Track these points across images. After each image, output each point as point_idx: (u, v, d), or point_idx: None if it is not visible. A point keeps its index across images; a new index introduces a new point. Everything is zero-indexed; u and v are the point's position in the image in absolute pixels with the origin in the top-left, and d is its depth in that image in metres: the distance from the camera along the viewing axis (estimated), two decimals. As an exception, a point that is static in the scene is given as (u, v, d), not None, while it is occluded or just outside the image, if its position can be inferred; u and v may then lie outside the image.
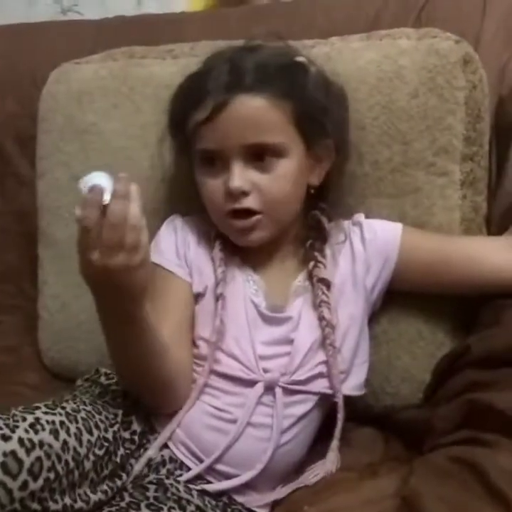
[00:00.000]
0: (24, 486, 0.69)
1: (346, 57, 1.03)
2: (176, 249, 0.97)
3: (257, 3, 1.50)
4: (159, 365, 0.86)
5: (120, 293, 0.77)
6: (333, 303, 0.93)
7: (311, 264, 0.94)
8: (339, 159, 0.97)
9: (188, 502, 0.84)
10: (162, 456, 0.88)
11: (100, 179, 0.74)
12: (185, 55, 1.14)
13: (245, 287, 0.94)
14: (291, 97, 0.90)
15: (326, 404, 0.93)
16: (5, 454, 0.68)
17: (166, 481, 0.85)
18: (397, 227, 0.97)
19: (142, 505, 0.79)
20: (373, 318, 1.00)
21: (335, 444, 0.93)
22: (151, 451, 0.87)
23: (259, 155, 0.90)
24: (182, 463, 0.89)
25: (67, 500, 0.75)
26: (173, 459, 0.89)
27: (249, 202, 0.90)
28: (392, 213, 1.00)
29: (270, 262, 0.97)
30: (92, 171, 0.75)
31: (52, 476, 0.72)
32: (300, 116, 0.91)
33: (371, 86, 1.01)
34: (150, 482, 0.85)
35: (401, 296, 0.99)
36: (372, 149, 1.01)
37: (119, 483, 0.83)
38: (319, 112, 0.92)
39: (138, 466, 0.86)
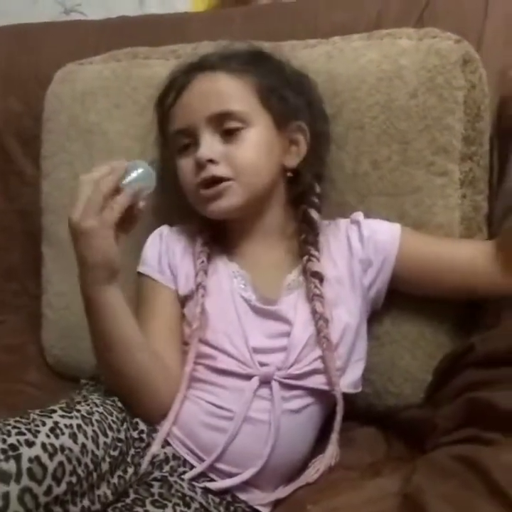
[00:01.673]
0: (49, 490, 0.69)
1: (347, 57, 1.04)
2: (159, 256, 0.99)
3: (259, 4, 1.50)
4: (134, 361, 0.87)
5: (83, 258, 0.82)
6: (327, 298, 0.93)
7: (305, 258, 0.95)
8: (317, 146, 0.99)
9: (192, 499, 0.84)
10: (165, 453, 0.89)
11: (139, 168, 0.84)
12: (188, 55, 1.15)
13: (232, 283, 0.95)
14: (250, 71, 0.95)
15: (326, 400, 0.94)
16: (31, 460, 0.69)
17: (170, 479, 0.86)
18: (396, 227, 0.97)
19: (147, 501, 0.80)
20: (376, 318, 1.01)
21: (334, 437, 0.93)
22: (154, 448, 0.87)
23: (224, 124, 0.93)
24: (185, 460, 0.90)
25: (86, 503, 0.75)
26: (175, 457, 0.89)
27: (216, 170, 0.93)
28: (392, 212, 1.00)
29: (258, 258, 0.98)
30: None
31: (74, 479, 0.73)
32: (261, 88, 0.95)
33: (371, 85, 1.01)
34: (154, 479, 0.86)
35: (403, 297, 0.99)
36: (372, 148, 1.01)
37: (128, 481, 0.84)
38: (281, 89, 0.96)
39: (144, 464, 0.86)
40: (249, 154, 0.94)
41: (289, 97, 0.96)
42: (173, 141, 0.99)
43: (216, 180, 0.93)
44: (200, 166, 0.93)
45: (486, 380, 0.83)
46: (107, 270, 0.83)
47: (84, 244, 0.81)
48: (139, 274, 1.00)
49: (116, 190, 0.82)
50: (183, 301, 0.97)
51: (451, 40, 0.99)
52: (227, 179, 0.93)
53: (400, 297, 0.99)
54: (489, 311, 0.95)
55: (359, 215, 0.99)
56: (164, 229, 1.03)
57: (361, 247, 0.96)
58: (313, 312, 0.93)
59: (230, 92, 0.95)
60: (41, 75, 1.35)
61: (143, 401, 0.89)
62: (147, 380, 0.88)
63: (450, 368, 0.93)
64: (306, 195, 1.00)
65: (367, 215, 1.00)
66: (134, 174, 0.84)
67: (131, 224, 0.85)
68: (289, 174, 0.99)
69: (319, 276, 0.94)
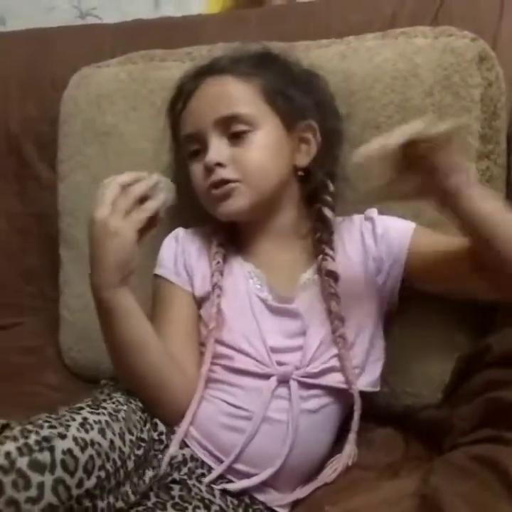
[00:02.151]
0: (80, 483, 0.70)
1: (362, 56, 1.04)
2: (175, 259, 0.99)
3: (273, 5, 1.50)
4: (150, 364, 0.87)
5: (101, 259, 0.83)
6: (343, 296, 0.93)
7: (320, 257, 0.95)
8: (328, 144, 0.99)
9: (211, 502, 0.85)
10: (183, 454, 0.89)
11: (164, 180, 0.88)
12: (204, 57, 1.15)
13: (248, 284, 0.96)
14: (257, 74, 0.96)
15: (343, 400, 0.94)
16: (64, 452, 0.69)
17: (189, 482, 0.86)
18: (410, 226, 0.97)
19: (168, 505, 0.81)
20: (393, 318, 1.00)
21: (352, 436, 0.93)
22: (172, 449, 0.87)
23: (231, 127, 0.94)
24: (203, 461, 0.90)
25: (111, 499, 0.76)
26: (193, 458, 0.90)
27: (224, 173, 0.93)
28: (408, 211, 1.00)
29: (273, 257, 0.98)
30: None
31: (103, 474, 0.73)
32: (268, 91, 0.95)
33: (386, 84, 1.01)
34: (173, 481, 0.86)
35: (419, 298, 0.98)
36: (388, 147, 1.01)
37: (147, 483, 0.84)
38: (288, 89, 0.96)
39: (163, 465, 0.86)
40: (256, 157, 0.94)
41: (296, 97, 0.96)
42: (184, 146, 1.00)
43: (224, 182, 0.93)
44: (209, 170, 0.94)
45: (504, 380, 0.83)
46: (122, 272, 0.83)
47: (107, 243, 0.82)
48: (156, 276, 1.00)
49: (144, 198, 0.84)
50: (200, 302, 0.97)
51: (467, 39, 0.99)
52: (235, 181, 0.93)
53: (417, 297, 0.98)
54: (505, 310, 0.94)
55: (373, 212, 0.99)
56: (180, 231, 1.03)
57: (375, 244, 0.96)
58: (329, 311, 0.93)
59: (237, 95, 0.95)
60: (57, 79, 1.36)
61: (160, 403, 0.89)
62: (164, 382, 0.89)
63: (467, 369, 0.93)
64: (319, 194, 1.00)
65: (383, 214, 0.99)
66: (161, 184, 0.86)
67: (148, 231, 0.86)
68: (300, 173, 0.99)
69: (334, 276, 0.94)
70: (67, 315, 1.24)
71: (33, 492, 0.66)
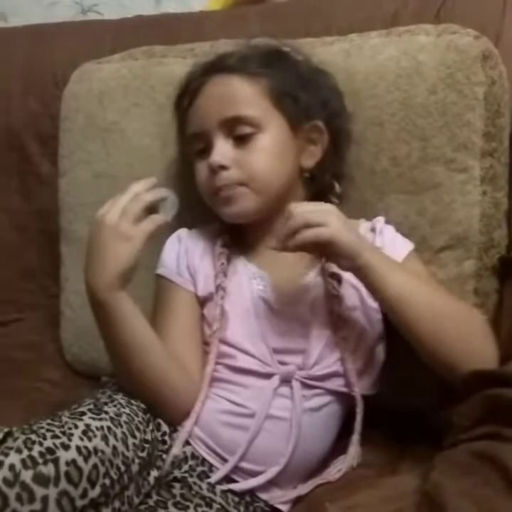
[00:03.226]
0: (84, 493, 0.70)
1: (365, 54, 1.04)
2: (177, 259, 0.99)
3: (274, 2, 1.50)
4: (151, 364, 0.87)
5: (103, 263, 0.82)
6: (345, 299, 0.93)
7: (323, 258, 0.95)
8: (336, 144, 0.99)
9: (212, 500, 0.85)
10: (184, 452, 0.89)
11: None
12: (206, 53, 1.15)
13: (251, 284, 0.95)
14: (265, 74, 0.94)
15: (345, 399, 0.94)
16: (67, 463, 0.70)
17: (190, 479, 0.86)
18: (405, 248, 0.96)
19: (169, 503, 0.81)
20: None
21: (355, 438, 0.93)
22: (176, 449, 0.87)
23: (236, 129, 0.93)
24: (203, 459, 0.90)
25: (117, 504, 0.76)
26: (194, 456, 0.90)
27: (228, 175, 0.93)
28: (411, 209, 1.00)
29: (277, 259, 0.96)
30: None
31: (107, 482, 0.73)
32: (275, 92, 0.94)
33: (389, 82, 1.01)
34: (174, 479, 0.86)
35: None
36: (391, 145, 1.01)
37: (151, 483, 0.84)
38: (295, 90, 0.95)
39: (166, 466, 0.86)
40: (261, 159, 0.93)
41: (304, 97, 0.95)
42: (190, 143, 0.99)
43: (229, 185, 0.93)
44: (212, 171, 0.93)
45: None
46: (125, 277, 0.83)
47: (115, 247, 0.82)
48: (158, 276, 1.00)
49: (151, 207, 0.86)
50: (203, 302, 0.97)
51: (471, 36, 0.99)
52: (240, 184, 0.93)
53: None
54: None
55: (379, 222, 0.99)
56: (183, 232, 1.03)
57: None
58: (331, 313, 0.93)
59: (243, 96, 0.94)
60: (59, 75, 1.36)
61: (163, 404, 0.89)
62: (166, 382, 0.88)
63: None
64: (325, 195, 0.99)
65: (386, 213, 1.00)
66: (170, 199, 0.88)
67: (149, 240, 0.86)
68: (306, 175, 0.99)
69: (337, 278, 0.93)
70: (67, 311, 1.24)
71: (37, 505, 0.66)
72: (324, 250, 0.84)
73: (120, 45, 1.31)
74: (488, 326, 0.90)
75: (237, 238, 1.01)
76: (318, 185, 0.99)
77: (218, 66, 0.97)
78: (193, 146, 0.98)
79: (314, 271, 0.96)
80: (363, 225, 0.99)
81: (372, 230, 0.98)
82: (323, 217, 0.83)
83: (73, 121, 1.24)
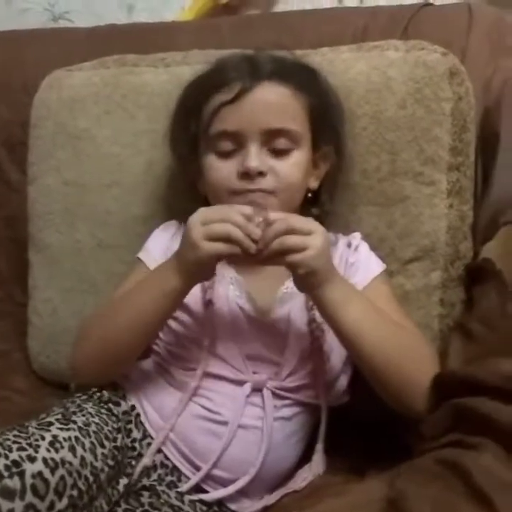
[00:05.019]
0: (51, 506, 0.69)
1: (337, 68, 1.04)
2: (165, 249, 0.98)
3: (247, 14, 1.51)
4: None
5: (193, 270, 0.84)
6: None
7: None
8: (333, 169, 1.00)
9: (180, 509, 0.85)
10: (154, 460, 0.89)
11: None
12: (178, 63, 1.16)
13: (229, 290, 0.94)
14: (309, 92, 0.94)
15: (315, 409, 0.94)
16: (33, 476, 0.69)
17: (158, 488, 0.86)
18: (376, 270, 0.96)
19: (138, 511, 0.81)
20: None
21: (320, 446, 0.94)
22: (147, 459, 0.87)
23: (276, 141, 0.92)
24: (173, 468, 0.89)
25: None
26: (164, 464, 0.89)
27: (264, 183, 0.91)
28: (382, 222, 1.02)
29: (255, 266, 0.95)
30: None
31: (75, 493, 0.73)
32: (314, 111, 0.95)
33: (360, 96, 1.02)
34: (143, 487, 0.86)
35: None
36: (362, 158, 1.02)
37: (121, 492, 0.84)
38: (329, 113, 0.96)
39: (135, 475, 0.86)
40: (293, 173, 0.93)
41: (329, 122, 0.96)
42: (212, 139, 0.94)
43: (263, 192, 0.91)
44: (248, 176, 0.91)
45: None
46: (200, 276, 0.86)
47: (194, 248, 0.82)
48: (138, 259, 0.99)
49: None
50: None
51: (438, 53, 1.01)
52: (270, 192, 0.92)
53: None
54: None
55: (355, 238, 0.99)
56: (174, 224, 1.03)
57: (344, 271, 0.95)
58: (311, 322, 0.92)
59: (292, 109, 0.93)
60: (29, 82, 1.33)
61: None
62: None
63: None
64: (311, 209, 1.00)
65: (358, 225, 1.01)
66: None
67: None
68: (309, 195, 0.99)
69: None
70: (35, 320, 1.22)
71: None
72: (290, 267, 0.82)
73: (92, 54, 1.29)
74: (436, 360, 0.89)
75: None
76: (317, 205, 1.00)
77: (263, 73, 0.93)
78: (217, 142, 0.94)
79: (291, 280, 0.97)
80: (341, 241, 1.00)
81: (349, 245, 0.99)
82: (307, 241, 0.80)
83: (43, 128, 1.23)
